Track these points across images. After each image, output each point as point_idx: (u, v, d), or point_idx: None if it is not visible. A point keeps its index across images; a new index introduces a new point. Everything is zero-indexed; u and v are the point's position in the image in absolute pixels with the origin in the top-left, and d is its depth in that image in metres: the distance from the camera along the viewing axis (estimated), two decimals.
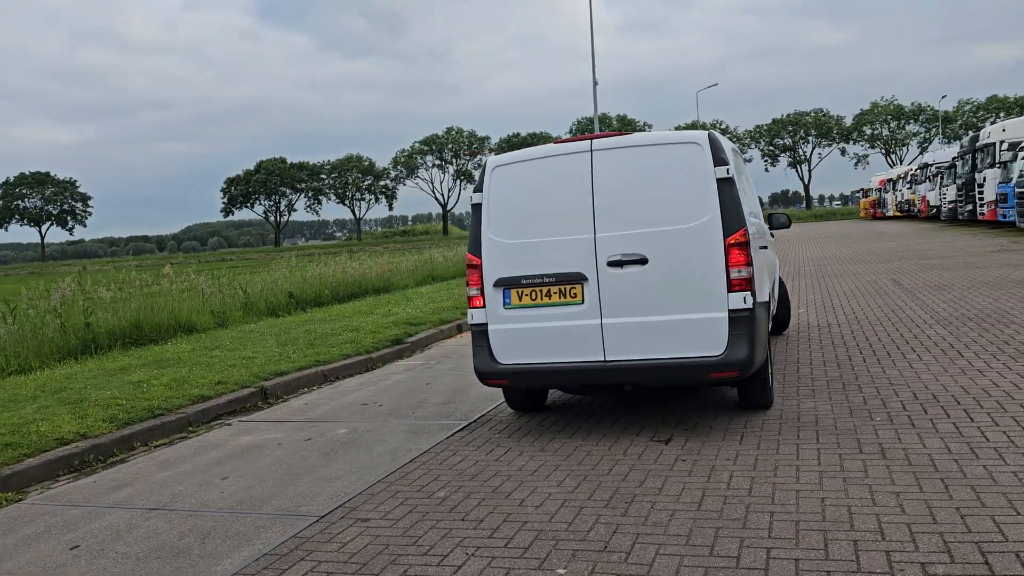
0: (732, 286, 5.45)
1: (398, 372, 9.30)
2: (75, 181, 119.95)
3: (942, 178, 37.70)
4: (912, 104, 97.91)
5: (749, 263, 5.50)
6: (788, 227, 8.96)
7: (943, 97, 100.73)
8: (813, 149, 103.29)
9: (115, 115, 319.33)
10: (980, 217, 29.81)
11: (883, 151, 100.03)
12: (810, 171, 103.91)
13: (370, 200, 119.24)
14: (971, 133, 40.48)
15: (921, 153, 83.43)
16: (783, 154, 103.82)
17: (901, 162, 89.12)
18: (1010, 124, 29.57)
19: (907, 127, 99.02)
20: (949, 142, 73.75)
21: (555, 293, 5.79)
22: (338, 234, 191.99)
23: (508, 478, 5.02)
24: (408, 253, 28.00)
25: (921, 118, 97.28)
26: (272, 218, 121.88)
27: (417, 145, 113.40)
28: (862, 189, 74.27)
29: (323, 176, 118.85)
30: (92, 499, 5.28)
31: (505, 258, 5.94)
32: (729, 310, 5.44)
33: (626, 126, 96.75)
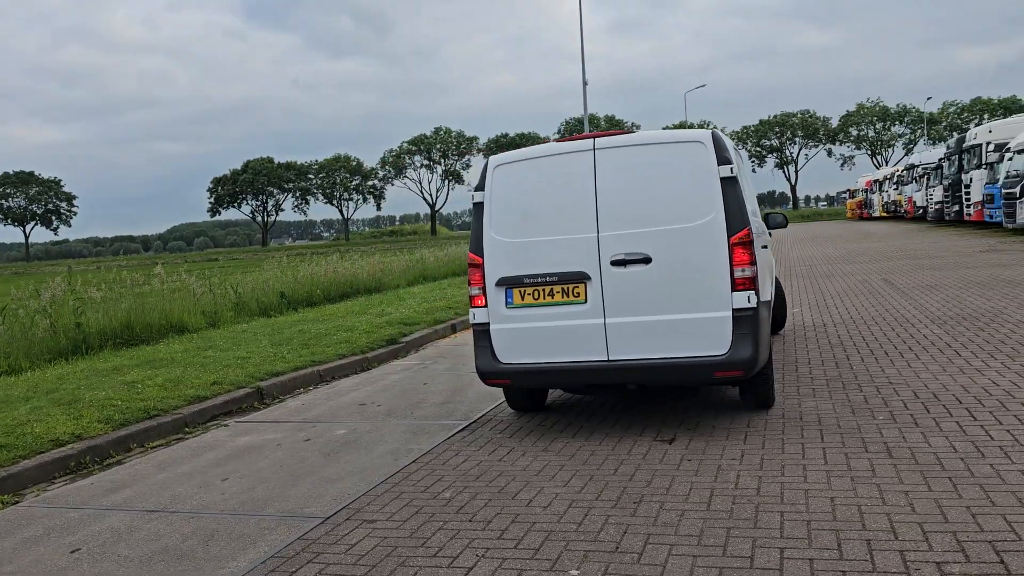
0: (736, 285, 5.43)
1: (394, 372, 9.24)
2: (60, 180, 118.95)
3: (929, 179, 37.93)
4: (897, 106, 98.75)
5: (753, 262, 5.48)
6: (785, 227, 8.96)
7: (928, 99, 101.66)
8: (800, 150, 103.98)
9: (100, 114, 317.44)
10: (967, 218, 30.01)
11: (869, 152, 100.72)
12: (797, 172, 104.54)
13: (358, 200, 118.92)
14: (956, 134, 40.83)
15: (907, 154, 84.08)
16: (770, 155, 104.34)
17: (887, 163, 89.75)
18: (996, 125, 29.81)
19: (893, 128, 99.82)
20: (934, 143, 74.21)
21: (558, 292, 5.76)
22: (325, 234, 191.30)
23: (513, 478, 4.99)
24: (399, 253, 27.90)
25: (906, 119, 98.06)
26: (259, 218, 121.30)
27: (405, 145, 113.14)
28: (848, 190, 74.67)
29: (311, 176, 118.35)
30: (90, 501, 5.20)
31: (507, 257, 5.90)
32: (733, 309, 5.42)
33: (614, 126, 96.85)
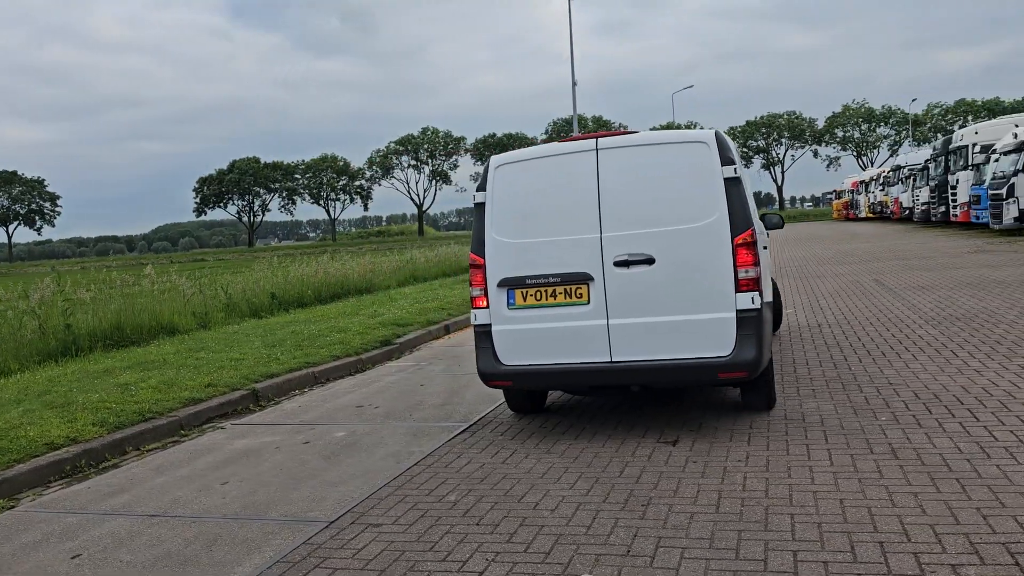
0: (740, 286, 5.42)
1: (390, 374, 9.18)
2: (43, 180, 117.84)
3: (915, 180, 38.19)
4: (883, 107, 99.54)
5: (757, 263, 5.47)
6: (781, 227, 8.96)
7: (913, 100, 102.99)
8: (786, 151, 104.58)
9: (83, 113, 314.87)
10: (953, 219, 30.23)
11: (854, 153, 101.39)
12: (783, 173, 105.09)
13: (345, 200, 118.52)
14: (940, 136, 41.15)
15: (892, 155, 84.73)
16: (756, 156, 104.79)
17: (872, 164, 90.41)
18: (982, 127, 30.07)
19: (878, 130, 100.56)
20: (919, 145, 74.72)
21: (560, 293, 5.73)
22: (311, 235, 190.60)
23: (518, 481, 4.95)
24: (388, 253, 27.80)
25: (891, 121, 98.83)
26: (245, 218, 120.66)
27: (392, 145, 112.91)
28: (834, 191, 75.10)
29: (297, 176, 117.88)
30: (89, 506, 5.12)
31: (509, 258, 5.86)
32: (737, 310, 5.41)
33: (602, 127, 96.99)
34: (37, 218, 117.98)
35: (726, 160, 5.54)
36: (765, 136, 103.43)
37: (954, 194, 29.94)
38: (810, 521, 3.93)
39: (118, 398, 7.40)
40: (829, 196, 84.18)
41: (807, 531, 3.81)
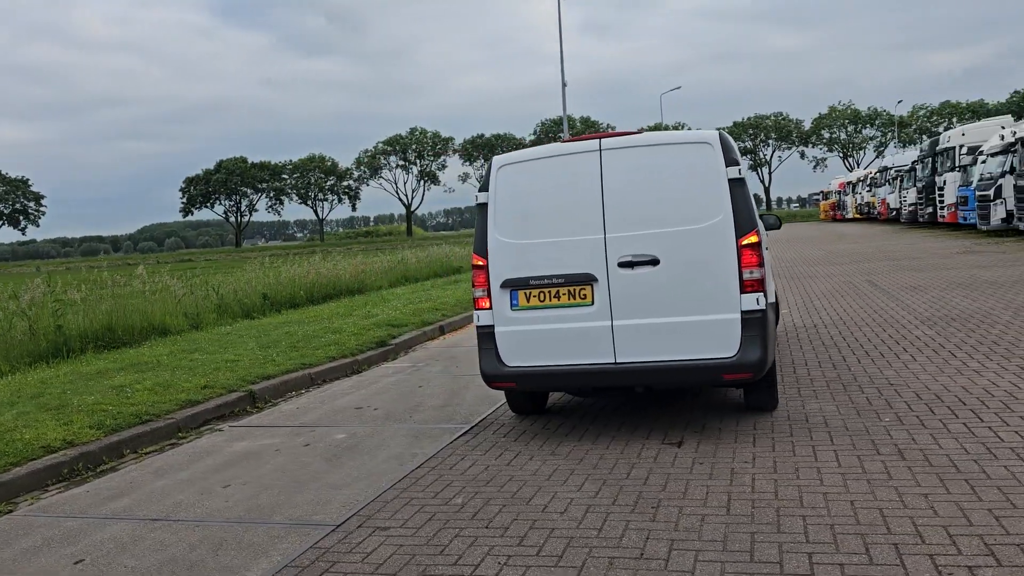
0: (745, 287, 5.41)
1: (387, 375, 9.13)
2: (27, 180, 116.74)
3: (902, 181, 38.43)
4: (869, 108, 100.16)
5: (761, 264, 5.46)
6: (778, 228, 8.97)
7: (899, 102, 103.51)
8: (773, 152, 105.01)
9: (68, 112, 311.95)
10: (940, 219, 30.44)
11: (841, 154, 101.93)
12: (770, 174, 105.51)
13: (333, 200, 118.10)
14: (926, 137, 41.42)
15: (878, 156, 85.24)
16: (744, 157, 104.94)
17: (859, 165, 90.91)
18: (969, 128, 30.30)
19: (864, 131, 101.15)
20: (905, 146, 75.23)
21: (564, 294, 5.70)
22: (299, 235, 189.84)
23: (524, 483, 4.91)
24: (379, 254, 27.71)
25: (877, 122, 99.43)
26: (232, 218, 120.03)
27: (381, 145, 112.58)
28: (821, 192, 75.44)
29: (285, 176, 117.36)
30: (89, 510, 5.05)
31: (512, 259, 5.83)
32: (742, 311, 5.40)
33: (590, 128, 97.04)
34: (21, 218, 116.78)
35: (730, 161, 5.54)
36: (753, 137, 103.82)
37: (941, 195, 30.15)
38: (822, 523, 3.92)
39: (114, 400, 7.32)
40: (816, 197, 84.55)
41: (820, 533, 3.80)
